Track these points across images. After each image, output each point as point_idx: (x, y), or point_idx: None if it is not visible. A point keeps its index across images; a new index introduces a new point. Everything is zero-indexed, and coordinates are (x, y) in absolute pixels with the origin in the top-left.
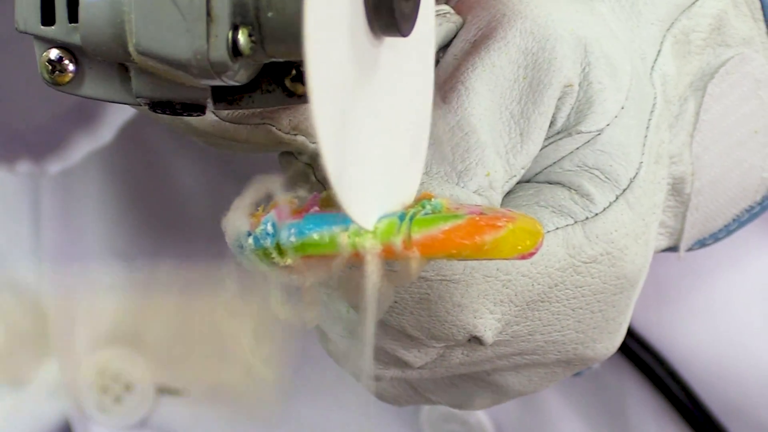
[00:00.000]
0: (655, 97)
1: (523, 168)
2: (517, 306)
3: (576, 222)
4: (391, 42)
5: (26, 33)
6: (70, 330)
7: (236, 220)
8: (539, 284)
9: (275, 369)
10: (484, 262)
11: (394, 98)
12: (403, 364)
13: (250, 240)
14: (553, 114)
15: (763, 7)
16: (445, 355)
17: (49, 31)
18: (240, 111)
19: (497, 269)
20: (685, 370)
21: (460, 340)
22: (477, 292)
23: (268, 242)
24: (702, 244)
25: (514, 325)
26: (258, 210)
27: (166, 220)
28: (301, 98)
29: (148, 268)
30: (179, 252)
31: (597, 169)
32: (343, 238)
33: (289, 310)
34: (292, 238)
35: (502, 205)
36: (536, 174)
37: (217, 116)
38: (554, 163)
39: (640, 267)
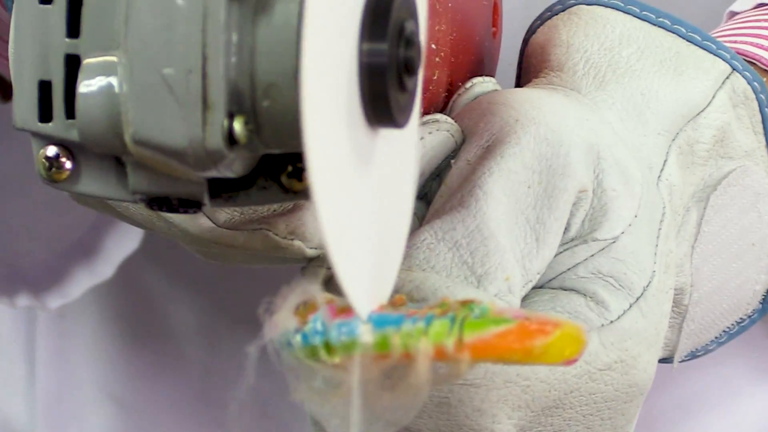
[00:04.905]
0: (664, 207)
1: (538, 273)
2: (533, 411)
3: (592, 329)
4: (385, 133)
5: (24, 130)
6: None
7: (284, 318)
8: (556, 390)
9: None
10: (504, 366)
11: (386, 189)
12: None
13: (298, 337)
14: (568, 220)
15: (763, 120)
16: None
17: (47, 127)
18: (236, 217)
19: (517, 374)
20: None
21: None
22: (497, 397)
23: (317, 340)
24: (693, 356)
25: (526, 429)
26: (299, 309)
27: (161, 362)
28: (298, 195)
29: (143, 412)
30: (174, 395)
31: (611, 277)
32: (395, 339)
33: (320, 400)
34: (343, 337)
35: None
36: (550, 280)
37: (213, 222)
38: (569, 269)
39: (651, 375)
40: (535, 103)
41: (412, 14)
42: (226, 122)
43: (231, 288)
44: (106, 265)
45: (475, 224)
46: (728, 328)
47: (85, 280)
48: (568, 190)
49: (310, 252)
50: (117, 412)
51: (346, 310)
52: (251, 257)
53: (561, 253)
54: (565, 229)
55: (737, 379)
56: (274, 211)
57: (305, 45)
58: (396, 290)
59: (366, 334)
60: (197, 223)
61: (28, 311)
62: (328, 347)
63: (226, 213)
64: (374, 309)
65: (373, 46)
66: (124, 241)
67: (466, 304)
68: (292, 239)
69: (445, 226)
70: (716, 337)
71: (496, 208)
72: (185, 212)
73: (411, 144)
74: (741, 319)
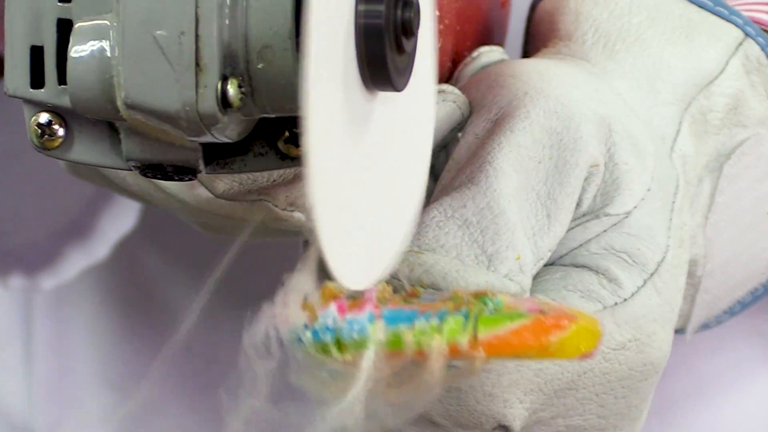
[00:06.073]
0: (677, 179)
1: (549, 251)
2: (545, 394)
3: (605, 307)
4: (387, 96)
5: (15, 97)
6: None
7: (293, 313)
8: (568, 372)
9: None
10: None
11: (387, 155)
12: None
13: (309, 334)
14: (579, 195)
15: None
16: None
17: (39, 93)
18: (235, 187)
19: None
20: None
21: (486, 429)
22: (508, 381)
23: (327, 337)
24: (706, 326)
25: (539, 412)
26: (307, 303)
27: (160, 347)
28: (295, 161)
29: (141, 399)
30: (174, 380)
31: (624, 253)
32: (409, 337)
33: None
34: (355, 335)
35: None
36: (561, 256)
37: (212, 193)
38: (580, 245)
39: (666, 353)
40: (544, 74)
41: None
42: (219, 85)
43: (232, 271)
44: (100, 245)
45: (486, 201)
46: (742, 298)
47: (80, 260)
48: (580, 165)
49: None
50: (116, 398)
51: (356, 306)
52: (252, 234)
53: (572, 228)
54: (577, 204)
55: (750, 362)
56: (274, 181)
57: (305, 4)
58: (404, 273)
59: (378, 332)
60: (195, 193)
61: (24, 295)
62: (339, 344)
63: (224, 183)
64: (367, 287)
65: (369, 6)
66: (119, 221)
67: (479, 296)
68: (292, 211)
69: (454, 204)
70: (729, 308)
71: (506, 184)
72: (180, 179)
73: (421, 113)
74: (755, 288)
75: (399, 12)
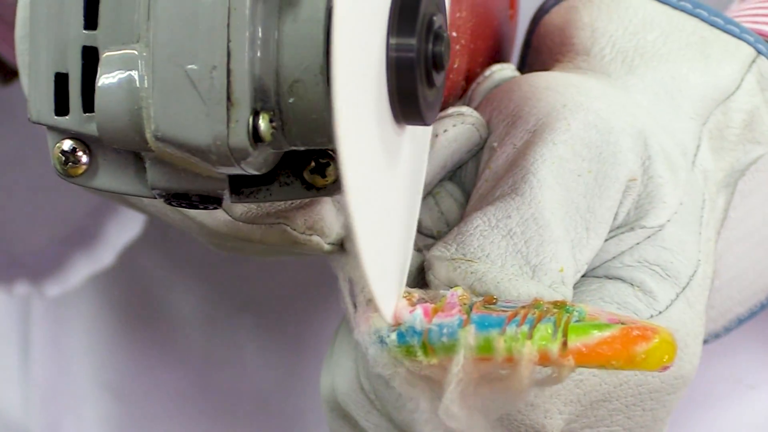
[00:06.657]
0: (703, 193)
1: (586, 263)
2: (582, 405)
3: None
4: (411, 129)
5: (39, 123)
6: None
7: (375, 314)
8: (606, 384)
9: None
10: None
11: (409, 183)
12: None
13: (394, 336)
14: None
15: None
16: None
17: (63, 121)
18: (254, 211)
19: None
20: None
21: None
22: (550, 392)
23: (414, 340)
24: (704, 341)
25: (572, 422)
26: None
27: (158, 351)
28: (320, 191)
29: (139, 402)
30: (172, 384)
31: (658, 266)
32: (500, 342)
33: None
34: (444, 339)
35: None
36: (594, 268)
37: (231, 216)
38: (614, 257)
39: (695, 366)
40: (580, 87)
41: (440, 8)
42: (250, 119)
43: (230, 275)
44: (106, 252)
45: (530, 213)
46: (741, 314)
47: (85, 267)
48: (620, 179)
49: (328, 247)
50: (113, 402)
51: (441, 310)
52: (267, 251)
53: (607, 240)
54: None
55: (748, 371)
56: (292, 204)
57: (336, 40)
58: (456, 281)
59: (469, 337)
60: (214, 216)
61: (23, 300)
62: (426, 347)
63: (242, 206)
64: (397, 305)
65: (401, 40)
66: (125, 228)
67: (560, 305)
68: (310, 234)
69: (498, 213)
70: (729, 324)
71: (550, 197)
72: (205, 208)
73: (428, 138)
74: (754, 306)
75: (430, 46)
